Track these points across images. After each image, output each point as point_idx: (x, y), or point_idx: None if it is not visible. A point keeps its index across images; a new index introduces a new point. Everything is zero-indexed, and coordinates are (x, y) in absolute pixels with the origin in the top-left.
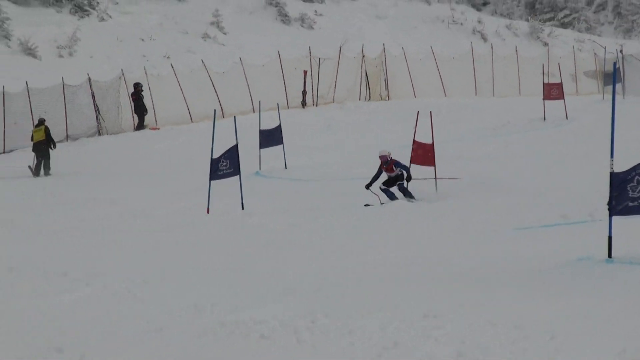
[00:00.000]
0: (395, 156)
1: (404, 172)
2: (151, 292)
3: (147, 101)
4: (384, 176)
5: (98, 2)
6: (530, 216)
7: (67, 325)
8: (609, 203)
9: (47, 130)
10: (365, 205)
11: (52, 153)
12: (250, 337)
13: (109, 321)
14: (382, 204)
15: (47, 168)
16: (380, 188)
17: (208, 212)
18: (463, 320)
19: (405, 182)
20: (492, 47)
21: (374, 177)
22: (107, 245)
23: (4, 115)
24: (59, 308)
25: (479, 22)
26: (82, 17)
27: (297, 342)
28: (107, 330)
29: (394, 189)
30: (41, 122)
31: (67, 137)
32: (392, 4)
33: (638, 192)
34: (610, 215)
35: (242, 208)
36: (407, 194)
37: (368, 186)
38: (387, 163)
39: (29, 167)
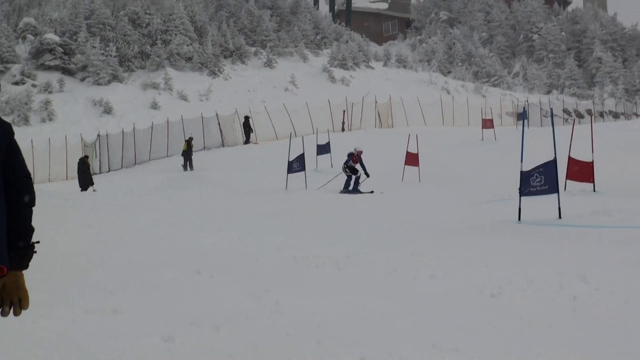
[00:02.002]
0: (391, 161)
1: (363, 170)
2: (252, 239)
3: (251, 126)
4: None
5: (224, 69)
6: (476, 195)
7: (203, 258)
8: (520, 188)
9: (188, 145)
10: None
11: (194, 157)
12: (310, 266)
13: (227, 256)
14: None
15: (191, 166)
16: (345, 172)
17: (286, 189)
18: (434, 256)
19: (360, 176)
20: (452, 97)
21: (344, 162)
22: (225, 211)
23: (167, 135)
24: (199, 247)
25: (445, 82)
26: (214, 77)
27: (337, 269)
28: (226, 261)
29: (352, 180)
30: (187, 139)
31: (204, 147)
32: (395, 72)
33: (536, 183)
34: (520, 196)
35: (306, 188)
36: (353, 185)
37: (343, 170)
38: (357, 157)
39: (182, 165)
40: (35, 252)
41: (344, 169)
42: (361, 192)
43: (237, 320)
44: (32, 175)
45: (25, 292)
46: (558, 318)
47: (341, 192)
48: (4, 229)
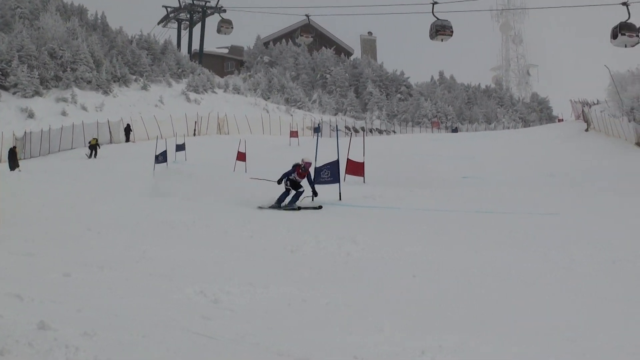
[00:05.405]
0: (226, 157)
1: (311, 187)
2: (130, 208)
3: (131, 129)
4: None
5: (113, 90)
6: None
7: (96, 219)
8: (314, 179)
9: (96, 141)
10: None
11: (99, 150)
12: (168, 227)
13: (112, 219)
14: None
15: (95, 155)
16: (285, 186)
17: (153, 175)
18: (254, 223)
19: (302, 192)
20: (270, 115)
21: (285, 173)
22: (112, 187)
23: (72, 133)
24: (94, 212)
25: (266, 104)
26: (106, 95)
27: (187, 230)
28: (111, 222)
29: (289, 196)
30: (94, 138)
31: (99, 143)
32: (231, 96)
33: (325, 175)
34: (313, 184)
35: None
36: (292, 201)
37: (279, 182)
38: (304, 170)
39: (86, 154)
40: None
41: (285, 182)
42: (296, 209)
43: (116, 263)
44: None
45: None
46: (336, 267)
47: (270, 207)
48: None
